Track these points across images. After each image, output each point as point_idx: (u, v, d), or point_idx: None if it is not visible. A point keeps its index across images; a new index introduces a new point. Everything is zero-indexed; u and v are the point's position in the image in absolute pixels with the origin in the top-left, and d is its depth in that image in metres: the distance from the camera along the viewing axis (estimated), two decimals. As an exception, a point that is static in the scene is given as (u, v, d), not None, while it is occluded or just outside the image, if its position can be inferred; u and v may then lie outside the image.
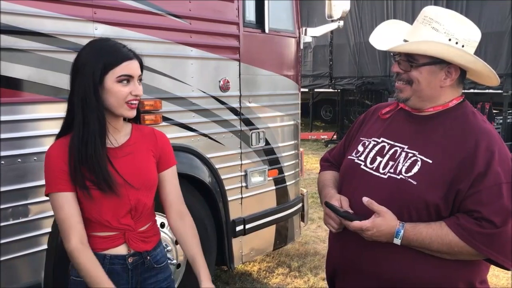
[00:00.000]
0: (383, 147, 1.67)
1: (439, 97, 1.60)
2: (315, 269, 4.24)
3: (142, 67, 1.69)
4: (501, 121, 9.72)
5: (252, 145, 3.48)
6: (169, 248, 3.02)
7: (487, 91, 9.58)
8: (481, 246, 1.45)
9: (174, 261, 3.08)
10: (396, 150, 1.63)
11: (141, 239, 1.73)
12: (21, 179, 2.29)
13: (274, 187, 3.73)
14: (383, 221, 1.51)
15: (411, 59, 1.57)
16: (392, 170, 1.59)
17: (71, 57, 1.67)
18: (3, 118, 2.21)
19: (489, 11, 9.43)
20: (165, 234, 3.00)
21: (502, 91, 9.33)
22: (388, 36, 1.70)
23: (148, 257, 1.74)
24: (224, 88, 3.24)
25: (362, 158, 1.70)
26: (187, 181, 3.05)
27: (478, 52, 1.59)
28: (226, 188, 3.31)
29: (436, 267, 1.52)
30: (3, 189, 2.23)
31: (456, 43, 1.53)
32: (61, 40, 2.38)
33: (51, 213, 2.28)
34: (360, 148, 1.74)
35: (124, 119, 1.75)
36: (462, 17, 1.57)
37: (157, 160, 1.77)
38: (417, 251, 1.52)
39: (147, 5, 2.75)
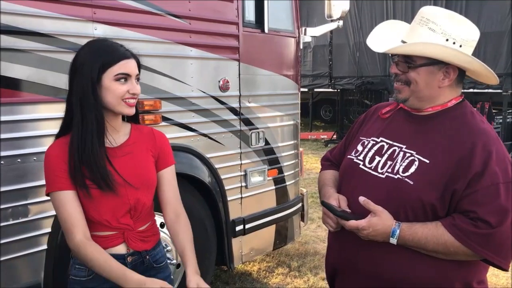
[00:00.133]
0: (382, 146, 1.68)
1: (438, 97, 1.60)
2: (315, 269, 4.25)
3: (139, 66, 1.70)
4: (500, 120, 9.72)
5: (251, 145, 3.48)
6: (169, 248, 3.02)
7: (486, 90, 9.59)
8: (476, 246, 1.45)
9: (174, 261, 3.08)
10: (394, 150, 1.63)
11: (140, 238, 1.73)
12: (21, 179, 2.29)
13: (273, 187, 3.73)
14: (379, 221, 1.52)
15: (408, 60, 1.57)
16: (390, 170, 1.60)
17: (70, 57, 1.68)
18: (3, 118, 2.21)
19: (489, 11, 9.43)
20: (165, 234, 3.00)
21: (501, 91, 9.33)
22: (386, 37, 1.70)
23: (147, 257, 1.75)
24: (224, 88, 3.24)
25: (361, 157, 1.70)
26: (187, 181, 3.06)
27: (478, 51, 1.59)
28: (226, 188, 3.31)
29: (432, 267, 1.52)
30: (3, 189, 2.23)
31: (454, 43, 1.53)
32: (60, 40, 2.39)
33: (51, 213, 2.30)
34: (360, 147, 1.74)
35: (123, 119, 1.76)
36: (460, 16, 1.57)
37: (155, 160, 1.77)
38: (413, 251, 1.52)
39: (147, 5, 2.75)
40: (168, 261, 2.08)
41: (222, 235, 3.33)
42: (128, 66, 1.63)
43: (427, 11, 1.57)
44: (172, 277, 1.90)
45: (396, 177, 1.56)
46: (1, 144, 2.20)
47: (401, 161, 1.58)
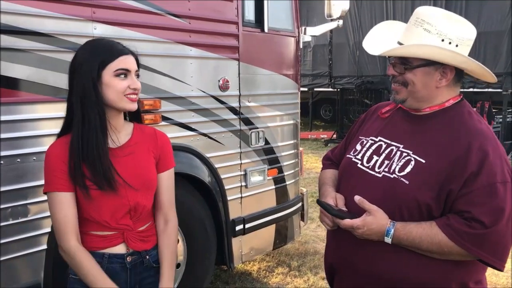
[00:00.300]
0: (380, 146, 1.68)
1: (435, 97, 1.60)
2: (315, 269, 4.25)
3: (138, 63, 1.70)
4: (500, 120, 9.71)
5: (251, 144, 3.48)
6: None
7: (486, 90, 9.59)
8: (470, 246, 1.44)
9: (174, 261, 3.08)
10: (392, 149, 1.64)
11: (140, 238, 1.73)
12: (21, 179, 2.29)
13: (273, 187, 3.73)
14: (373, 220, 1.52)
15: (405, 62, 1.57)
16: (386, 169, 1.60)
17: (70, 57, 1.68)
18: (3, 118, 2.21)
19: (489, 10, 9.42)
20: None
21: (501, 90, 9.33)
22: (382, 38, 1.70)
23: (147, 257, 1.74)
24: (224, 87, 3.24)
25: (359, 156, 1.71)
26: (187, 181, 3.06)
27: (478, 51, 1.59)
28: (226, 187, 3.31)
29: (429, 267, 1.52)
30: (3, 189, 2.22)
31: (450, 43, 1.52)
32: (60, 39, 2.38)
33: (51, 213, 2.30)
34: (358, 147, 1.75)
35: (125, 118, 1.75)
36: (455, 16, 1.57)
37: (156, 161, 1.77)
38: (409, 251, 1.52)
39: (147, 4, 2.75)
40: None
41: (222, 235, 3.33)
42: (127, 61, 1.63)
43: (422, 12, 1.57)
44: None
45: (392, 176, 1.57)
46: (1, 144, 2.20)
47: (397, 160, 1.59)
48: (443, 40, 1.52)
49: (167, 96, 2.92)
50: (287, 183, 3.86)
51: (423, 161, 1.53)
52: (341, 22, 4.09)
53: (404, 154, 1.59)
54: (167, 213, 1.81)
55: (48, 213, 2.31)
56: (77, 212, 1.63)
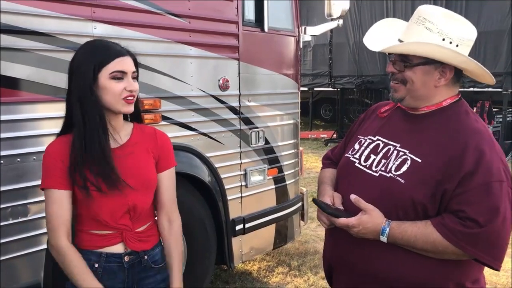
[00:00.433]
0: (378, 145, 1.68)
1: (433, 96, 1.60)
2: (315, 268, 4.25)
3: (136, 64, 1.69)
4: (500, 119, 9.71)
5: (251, 144, 3.48)
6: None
7: (486, 89, 9.57)
8: (465, 245, 1.44)
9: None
10: (389, 149, 1.64)
11: (139, 238, 1.72)
12: (21, 179, 2.29)
13: (273, 186, 3.73)
14: (369, 219, 1.53)
15: (405, 59, 1.57)
16: (383, 168, 1.60)
17: (70, 57, 1.68)
18: (3, 118, 2.21)
19: (489, 10, 9.42)
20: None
21: (501, 90, 9.32)
22: (383, 35, 1.70)
23: (146, 257, 1.74)
24: (224, 87, 3.23)
25: (357, 156, 1.71)
26: (187, 180, 3.05)
27: (478, 51, 1.59)
28: (226, 187, 3.31)
29: (425, 266, 1.52)
30: (3, 188, 2.22)
31: (450, 42, 1.52)
32: (60, 39, 2.38)
33: (51, 212, 2.29)
34: (357, 146, 1.75)
35: (125, 118, 1.75)
36: (457, 15, 1.57)
37: (156, 161, 1.77)
38: (405, 250, 1.52)
39: (146, 4, 2.75)
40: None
41: (222, 235, 3.33)
42: (123, 63, 1.62)
43: (424, 10, 1.57)
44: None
45: (388, 175, 1.57)
46: (1, 143, 2.20)
47: (394, 159, 1.59)
48: (444, 39, 1.52)
49: (167, 95, 2.92)
50: (287, 182, 3.86)
51: (419, 160, 1.53)
52: (341, 21, 4.09)
53: (401, 153, 1.59)
54: (170, 213, 1.81)
55: (48, 213, 2.34)
56: (71, 210, 1.63)
